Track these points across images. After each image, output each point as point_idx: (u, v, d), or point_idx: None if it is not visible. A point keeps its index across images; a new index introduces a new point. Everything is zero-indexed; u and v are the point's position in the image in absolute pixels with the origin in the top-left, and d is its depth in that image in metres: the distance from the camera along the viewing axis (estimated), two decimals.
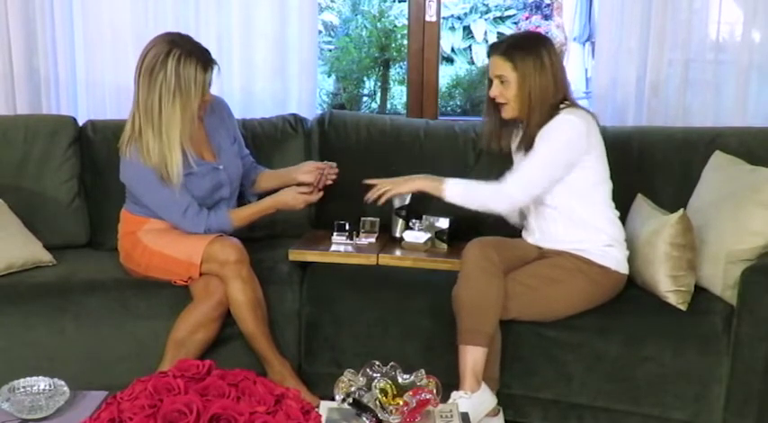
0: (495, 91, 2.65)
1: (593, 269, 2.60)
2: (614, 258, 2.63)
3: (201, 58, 2.62)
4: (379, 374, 1.94)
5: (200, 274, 2.66)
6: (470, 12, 8.62)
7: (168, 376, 1.57)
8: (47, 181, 3.09)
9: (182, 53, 2.59)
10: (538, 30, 8.11)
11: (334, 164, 2.95)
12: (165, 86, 2.58)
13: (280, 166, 3.08)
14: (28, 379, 2.05)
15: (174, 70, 2.57)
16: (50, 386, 2.04)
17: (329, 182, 2.91)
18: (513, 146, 2.78)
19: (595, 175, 2.64)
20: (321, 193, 2.86)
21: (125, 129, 2.70)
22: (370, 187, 2.77)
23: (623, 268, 2.66)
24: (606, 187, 2.69)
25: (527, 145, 2.63)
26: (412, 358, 2.51)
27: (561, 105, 2.62)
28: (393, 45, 7.40)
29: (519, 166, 2.61)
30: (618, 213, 2.71)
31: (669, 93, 3.33)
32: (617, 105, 3.37)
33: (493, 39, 8.33)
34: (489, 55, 2.68)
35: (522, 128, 2.68)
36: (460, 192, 2.62)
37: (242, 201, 2.96)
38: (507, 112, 2.66)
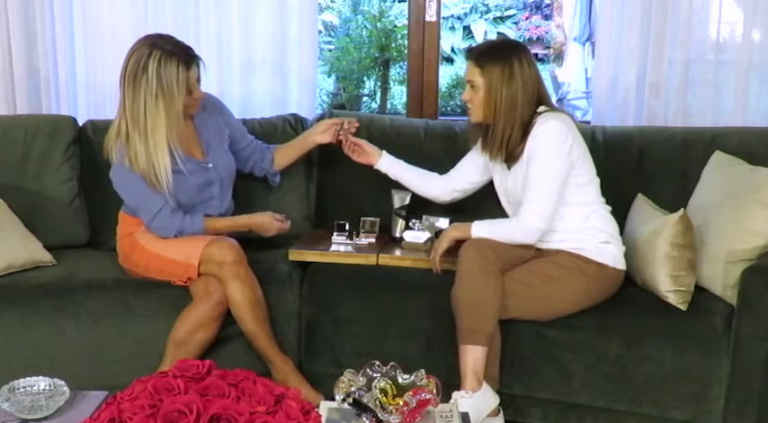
0: (466, 95, 2.69)
1: (590, 266, 2.60)
2: (611, 255, 2.64)
3: (183, 57, 2.62)
4: (379, 374, 1.93)
5: (199, 275, 2.66)
6: (470, 12, 8.63)
7: (168, 376, 1.57)
8: (47, 181, 3.09)
9: (162, 54, 2.59)
10: (538, 30, 8.12)
11: (354, 118, 3.01)
12: (149, 90, 2.59)
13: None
14: (28, 379, 2.04)
15: (156, 72, 2.58)
16: (50, 386, 2.03)
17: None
18: (484, 152, 2.78)
19: (584, 175, 2.64)
20: (289, 222, 2.87)
21: (108, 133, 2.71)
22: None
23: (621, 264, 2.66)
24: (595, 185, 2.69)
25: (511, 156, 2.64)
26: (412, 358, 2.50)
27: (538, 110, 2.62)
28: (393, 45, 7.41)
29: (525, 196, 2.60)
30: (610, 208, 2.72)
31: (669, 93, 3.32)
32: (617, 105, 3.37)
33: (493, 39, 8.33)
34: (465, 59, 2.72)
35: (490, 133, 2.68)
36: (486, 234, 2.63)
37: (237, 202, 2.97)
38: (472, 116, 2.70)
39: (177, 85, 2.60)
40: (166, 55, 2.60)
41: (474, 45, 2.81)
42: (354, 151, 2.96)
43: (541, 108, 2.63)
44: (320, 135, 2.98)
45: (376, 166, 2.94)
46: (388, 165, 2.93)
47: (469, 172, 2.87)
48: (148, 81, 2.58)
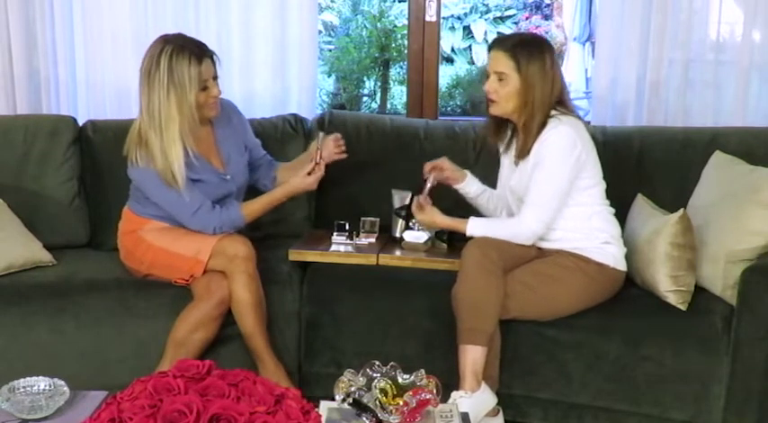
0: (490, 86, 2.62)
1: (591, 267, 2.60)
2: (612, 255, 2.63)
3: (195, 51, 2.62)
4: (379, 374, 1.93)
5: (204, 272, 2.66)
6: (470, 12, 8.61)
7: (168, 376, 1.57)
8: (47, 181, 3.09)
9: (173, 49, 2.60)
10: (538, 30, 8.12)
11: (339, 135, 2.89)
12: (161, 85, 2.59)
13: None
14: (28, 379, 2.04)
15: (167, 66, 2.59)
16: (50, 386, 2.03)
17: (340, 157, 2.86)
18: (501, 147, 2.78)
19: (591, 179, 2.64)
20: (323, 168, 2.80)
21: (129, 135, 2.69)
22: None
23: (621, 265, 2.66)
24: (601, 187, 2.69)
25: (522, 152, 2.63)
26: (412, 358, 2.50)
27: (552, 111, 2.60)
28: (393, 45, 7.40)
29: (527, 198, 2.60)
30: (613, 210, 2.71)
31: (669, 93, 3.33)
32: (617, 105, 3.37)
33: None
34: (492, 48, 2.64)
35: (516, 132, 2.68)
36: (481, 232, 2.62)
37: None
38: (494, 109, 2.65)
39: (189, 78, 2.59)
40: (177, 49, 2.60)
41: (502, 36, 2.69)
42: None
43: (553, 111, 2.60)
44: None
45: (461, 187, 2.84)
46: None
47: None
48: (160, 76, 2.59)
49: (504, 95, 2.60)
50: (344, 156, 2.88)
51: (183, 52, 2.60)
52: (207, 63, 2.64)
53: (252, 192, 2.96)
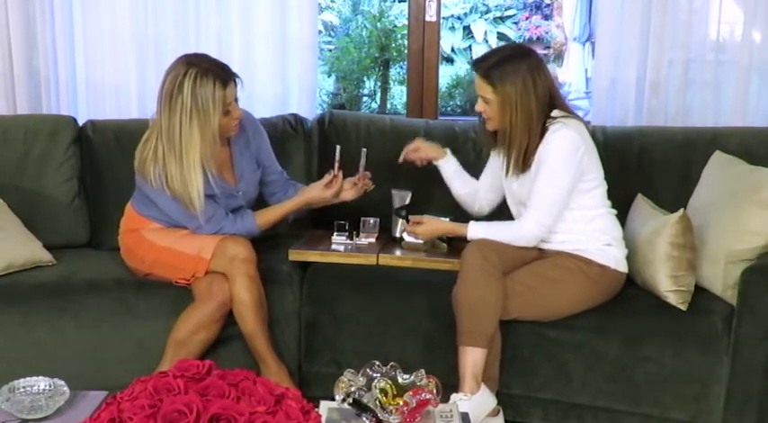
0: (479, 107, 2.64)
1: (592, 268, 2.60)
2: (613, 257, 2.63)
3: (219, 75, 2.58)
4: (379, 374, 1.94)
5: (206, 273, 2.66)
6: (470, 12, 8.61)
7: (168, 376, 1.57)
8: (47, 181, 3.09)
9: (198, 72, 2.56)
10: (538, 30, 8.12)
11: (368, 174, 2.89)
12: (184, 109, 2.55)
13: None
14: (28, 379, 2.05)
15: (191, 90, 2.54)
16: (50, 386, 2.04)
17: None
18: (501, 155, 2.77)
19: (592, 181, 2.64)
20: (341, 182, 2.81)
21: (141, 151, 2.67)
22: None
23: (622, 267, 2.66)
24: (602, 188, 2.68)
25: (515, 165, 2.63)
26: (412, 358, 2.50)
27: (552, 114, 2.59)
28: (393, 45, 7.40)
29: (529, 202, 2.60)
30: (615, 211, 2.71)
31: (669, 93, 3.33)
32: (617, 105, 3.37)
33: (493, 39, 8.31)
34: (474, 70, 2.64)
35: (505, 144, 2.67)
36: (482, 236, 2.63)
37: None
38: (490, 125, 2.67)
39: (213, 103, 2.56)
40: (202, 72, 2.56)
41: (481, 56, 2.68)
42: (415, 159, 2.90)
43: (555, 112, 2.60)
44: (344, 192, 2.86)
45: (439, 163, 2.90)
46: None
47: (486, 187, 2.87)
48: (184, 100, 2.55)
49: (491, 114, 2.61)
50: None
51: (207, 76, 2.56)
52: (231, 86, 2.61)
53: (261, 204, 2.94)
